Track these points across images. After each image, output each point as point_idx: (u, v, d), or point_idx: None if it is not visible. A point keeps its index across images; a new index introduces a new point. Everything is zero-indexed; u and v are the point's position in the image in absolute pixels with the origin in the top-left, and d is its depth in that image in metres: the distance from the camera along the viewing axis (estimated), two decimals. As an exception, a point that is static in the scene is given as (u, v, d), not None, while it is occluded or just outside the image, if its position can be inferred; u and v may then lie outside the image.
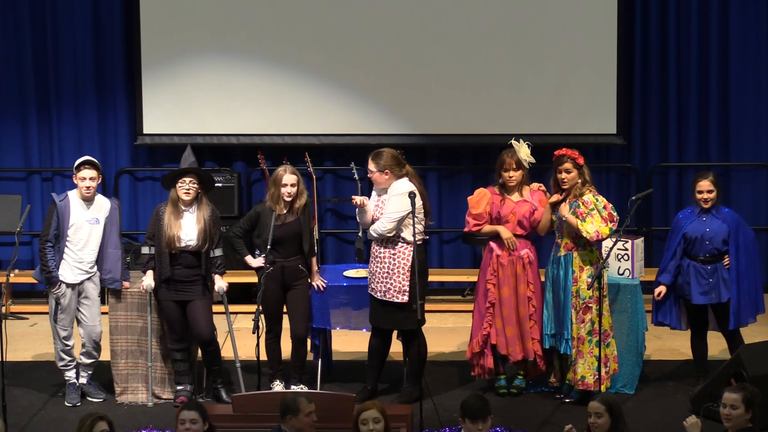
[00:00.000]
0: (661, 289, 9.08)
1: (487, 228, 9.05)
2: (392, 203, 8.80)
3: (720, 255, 9.01)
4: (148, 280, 8.95)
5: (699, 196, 9.02)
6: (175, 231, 8.84)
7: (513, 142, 9.07)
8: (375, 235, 8.84)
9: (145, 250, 9.04)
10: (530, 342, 9.02)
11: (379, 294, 8.84)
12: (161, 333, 9.13)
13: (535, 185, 9.13)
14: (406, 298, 8.79)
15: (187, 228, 8.89)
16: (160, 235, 8.90)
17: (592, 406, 6.99)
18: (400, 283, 8.80)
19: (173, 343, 9.04)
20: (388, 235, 8.80)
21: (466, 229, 9.15)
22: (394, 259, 8.82)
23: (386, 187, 8.90)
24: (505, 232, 8.99)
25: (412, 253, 8.78)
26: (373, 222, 8.90)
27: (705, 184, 9.00)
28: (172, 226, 8.85)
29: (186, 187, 8.88)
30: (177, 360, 9.05)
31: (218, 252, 9.02)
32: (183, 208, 8.92)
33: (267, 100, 11.94)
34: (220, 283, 9.03)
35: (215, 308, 9.16)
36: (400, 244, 8.83)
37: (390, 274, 8.81)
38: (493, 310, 9.02)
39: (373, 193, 9.06)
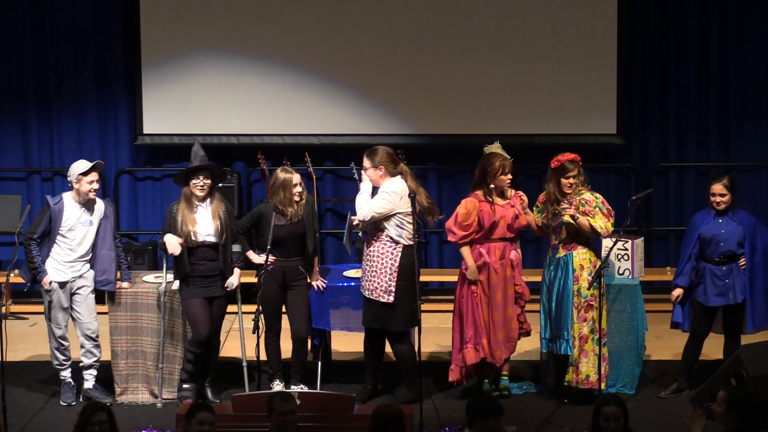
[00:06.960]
0: (678, 292, 9.06)
1: (466, 253, 8.92)
2: (378, 198, 8.76)
3: (735, 257, 8.94)
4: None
5: (712, 198, 8.96)
6: (191, 227, 8.85)
7: (493, 147, 8.99)
8: (359, 216, 8.78)
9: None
10: (515, 331, 8.98)
11: (367, 292, 8.84)
12: (162, 333, 9.12)
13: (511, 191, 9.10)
14: (392, 299, 8.76)
15: (203, 222, 8.90)
16: (175, 233, 8.88)
17: (611, 411, 6.79)
18: (387, 283, 8.77)
19: (193, 345, 8.89)
20: (363, 223, 8.74)
21: (452, 239, 8.97)
22: (381, 259, 8.80)
23: (379, 185, 8.89)
24: (473, 273, 8.87)
25: (400, 253, 8.76)
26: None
27: (718, 188, 8.92)
28: (187, 221, 8.86)
29: (201, 184, 8.90)
30: (190, 361, 8.94)
31: (236, 248, 9.00)
32: (196, 203, 8.93)
33: (267, 100, 11.95)
34: (232, 278, 9.00)
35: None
36: (387, 243, 8.81)
37: (377, 273, 8.79)
38: (481, 316, 8.97)
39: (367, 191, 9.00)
